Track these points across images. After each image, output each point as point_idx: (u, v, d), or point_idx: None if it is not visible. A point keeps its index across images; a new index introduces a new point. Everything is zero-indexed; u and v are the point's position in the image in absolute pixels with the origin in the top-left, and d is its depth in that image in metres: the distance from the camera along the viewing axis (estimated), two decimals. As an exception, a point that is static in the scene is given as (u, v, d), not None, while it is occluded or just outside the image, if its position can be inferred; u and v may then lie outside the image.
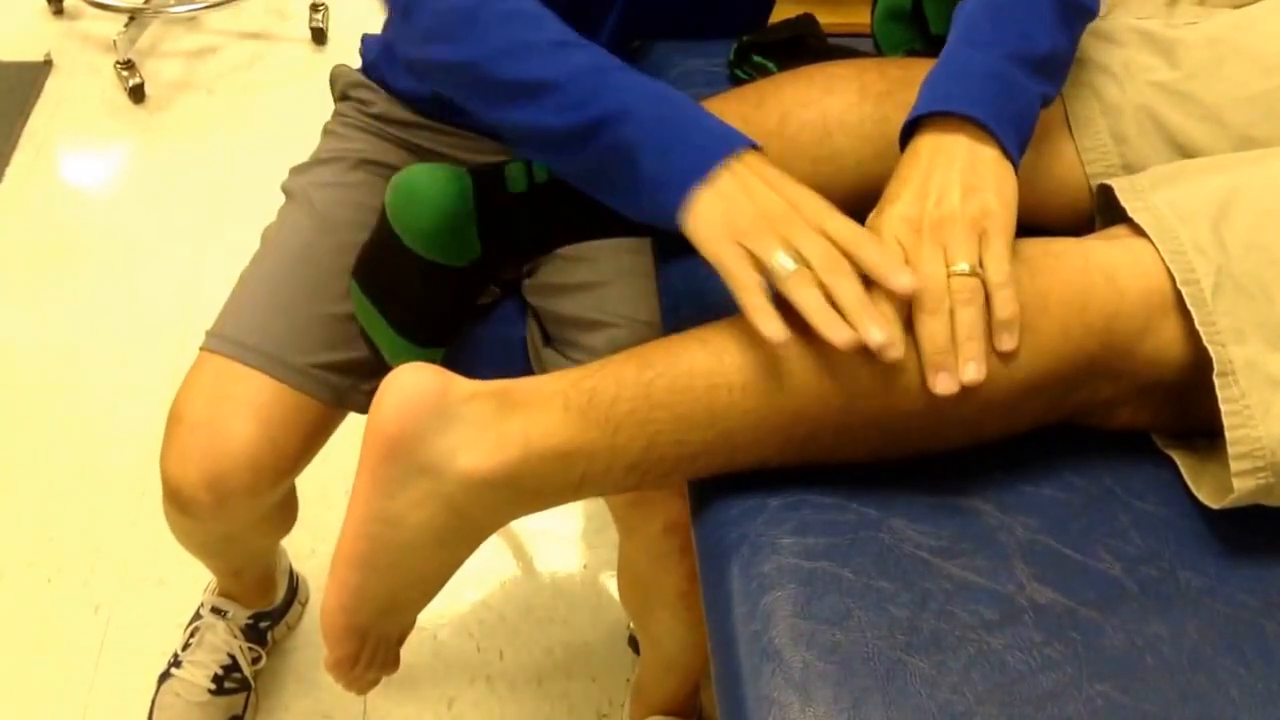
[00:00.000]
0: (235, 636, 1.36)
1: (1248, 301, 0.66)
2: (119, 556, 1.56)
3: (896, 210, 0.69)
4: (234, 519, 1.02)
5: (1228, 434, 0.64)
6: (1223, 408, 0.64)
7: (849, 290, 0.64)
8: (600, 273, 1.04)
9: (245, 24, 2.61)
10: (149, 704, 1.34)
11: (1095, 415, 0.72)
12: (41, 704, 1.40)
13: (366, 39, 1.15)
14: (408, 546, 0.67)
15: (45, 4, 2.59)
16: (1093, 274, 0.68)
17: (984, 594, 0.65)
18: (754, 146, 0.71)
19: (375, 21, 1.17)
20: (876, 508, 0.69)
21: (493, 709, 1.44)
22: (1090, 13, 0.79)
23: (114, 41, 2.33)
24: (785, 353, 0.66)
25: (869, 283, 0.66)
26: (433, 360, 0.72)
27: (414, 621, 0.82)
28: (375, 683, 0.80)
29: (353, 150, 1.10)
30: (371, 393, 0.66)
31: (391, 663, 0.81)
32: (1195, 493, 0.70)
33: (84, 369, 1.81)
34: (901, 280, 0.64)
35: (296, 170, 1.12)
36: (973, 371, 0.64)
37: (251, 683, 1.38)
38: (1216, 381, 0.65)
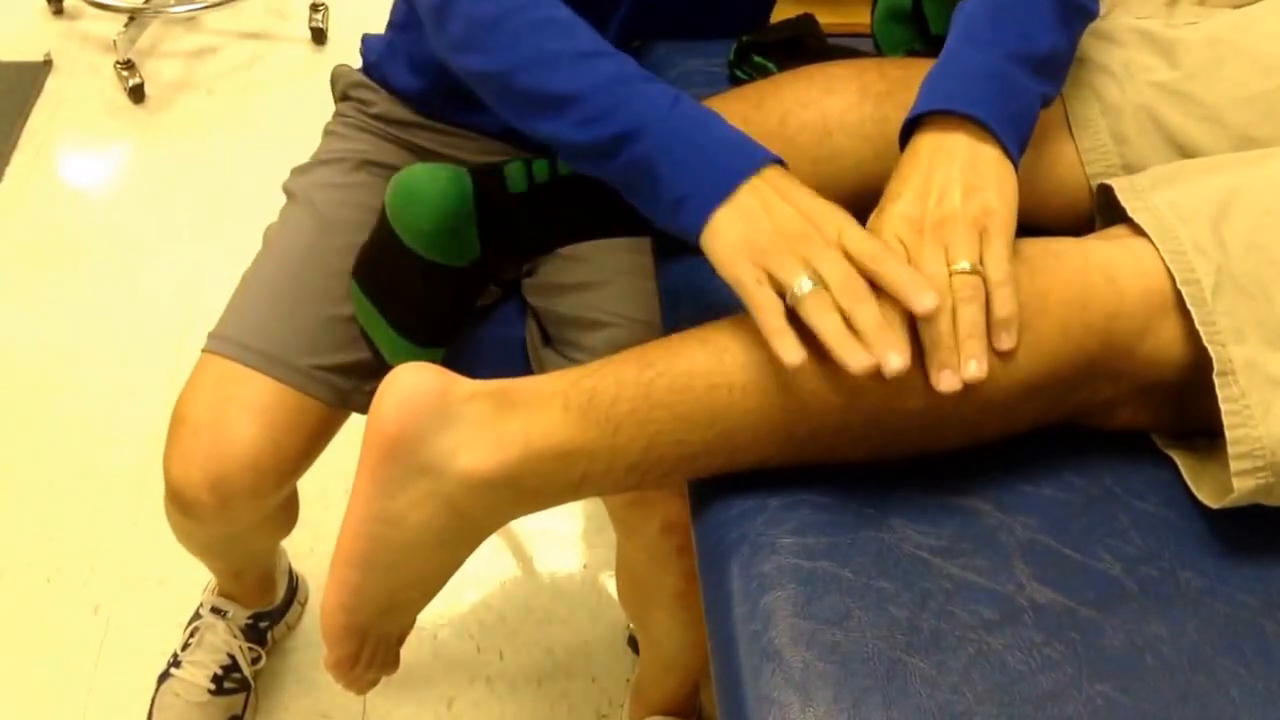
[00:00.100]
0: (235, 636, 1.36)
1: (1247, 301, 0.66)
2: (119, 556, 1.56)
3: (898, 209, 0.69)
4: (236, 520, 1.02)
5: (1228, 434, 0.64)
6: (1223, 407, 0.64)
7: (867, 315, 0.64)
8: (599, 272, 1.04)
9: (245, 24, 2.61)
10: (149, 704, 1.34)
11: (1095, 415, 0.72)
12: (41, 704, 1.40)
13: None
14: (408, 546, 0.67)
15: (45, 4, 2.59)
16: (1093, 274, 0.68)
17: (984, 594, 0.65)
18: (774, 160, 0.70)
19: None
20: (876, 508, 0.69)
21: (493, 709, 1.44)
22: (1090, 13, 0.79)
23: (114, 41, 2.33)
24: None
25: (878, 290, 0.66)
26: (433, 360, 0.72)
27: (414, 621, 0.82)
28: (375, 683, 0.80)
29: (354, 151, 1.10)
30: (374, 393, 0.66)
31: (391, 662, 0.81)
32: (1195, 493, 0.70)
33: (84, 369, 1.81)
34: (925, 300, 0.63)
35: (298, 171, 1.12)
36: (974, 369, 0.64)
37: (251, 683, 1.38)
38: (1216, 381, 0.65)
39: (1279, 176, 0.71)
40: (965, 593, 0.65)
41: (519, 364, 1.08)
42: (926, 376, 0.65)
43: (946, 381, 0.64)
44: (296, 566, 1.49)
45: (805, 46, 1.02)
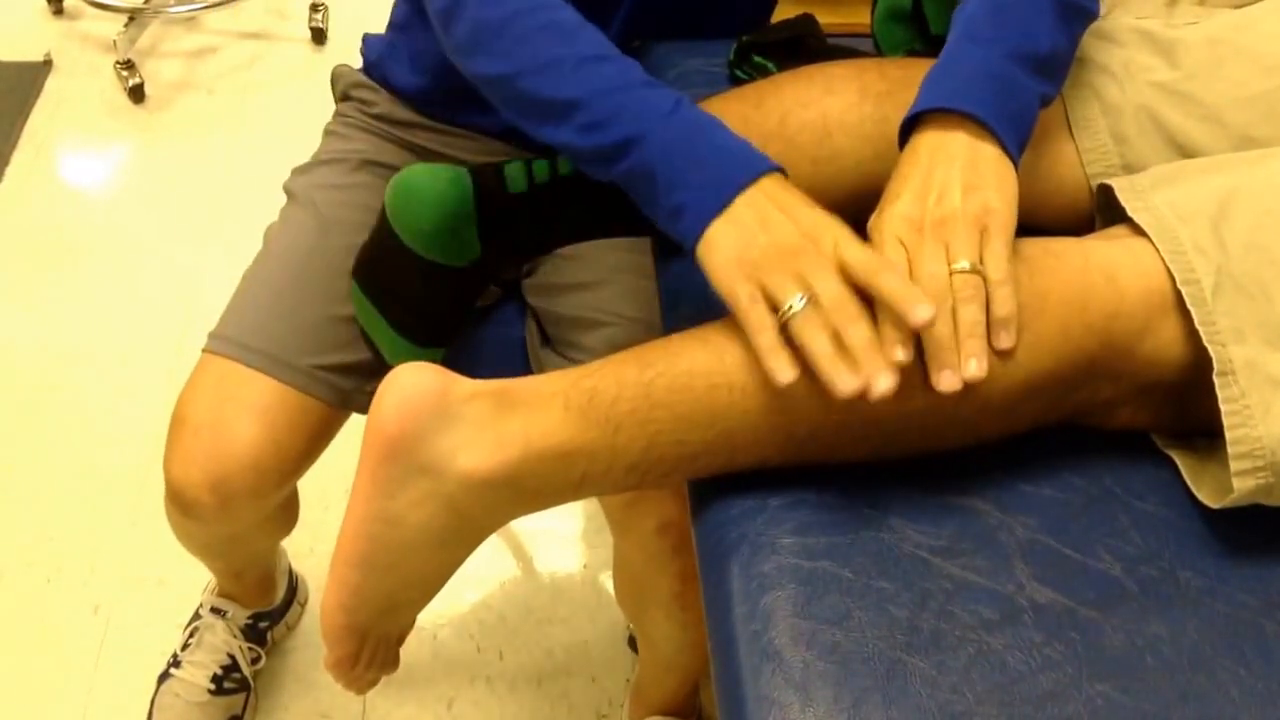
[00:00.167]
0: (235, 637, 1.36)
1: (1247, 301, 0.66)
2: (119, 556, 1.56)
3: (898, 209, 0.69)
4: (237, 520, 1.02)
5: (1228, 434, 0.64)
6: (1223, 407, 0.64)
7: (857, 335, 0.64)
8: (599, 272, 1.04)
9: (245, 24, 2.61)
10: (148, 704, 1.34)
11: (1095, 415, 0.72)
12: (41, 704, 1.40)
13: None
14: (408, 546, 0.67)
15: (45, 4, 2.59)
16: (1092, 273, 0.68)
17: (984, 594, 0.65)
18: (773, 169, 0.70)
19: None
20: (876, 508, 0.69)
21: (493, 709, 1.44)
22: (1091, 14, 0.79)
23: (114, 41, 2.33)
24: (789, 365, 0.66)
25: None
26: (433, 360, 0.72)
27: (414, 621, 0.82)
28: (375, 683, 0.80)
29: (354, 151, 1.10)
30: (374, 393, 0.66)
31: (391, 662, 0.81)
32: (1195, 493, 0.70)
33: (84, 369, 1.81)
34: (920, 312, 0.63)
35: (299, 171, 1.12)
36: (974, 368, 0.64)
37: (251, 683, 1.38)
38: (1216, 381, 0.65)
39: (1279, 176, 0.71)
40: (965, 593, 0.65)
41: (519, 364, 1.08)
42: (927, 376, 0.65)
43: (947, 381, 0.64)
44: (296, 566, 1.49)
45: (805, 46, 1.02)
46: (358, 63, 1.17)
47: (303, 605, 1.49)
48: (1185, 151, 0.78)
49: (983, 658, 0.62)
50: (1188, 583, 0.66)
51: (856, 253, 0.66)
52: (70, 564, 1.55)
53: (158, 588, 1.52)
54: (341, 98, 1.16)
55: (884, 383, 0.63)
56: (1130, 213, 0.71)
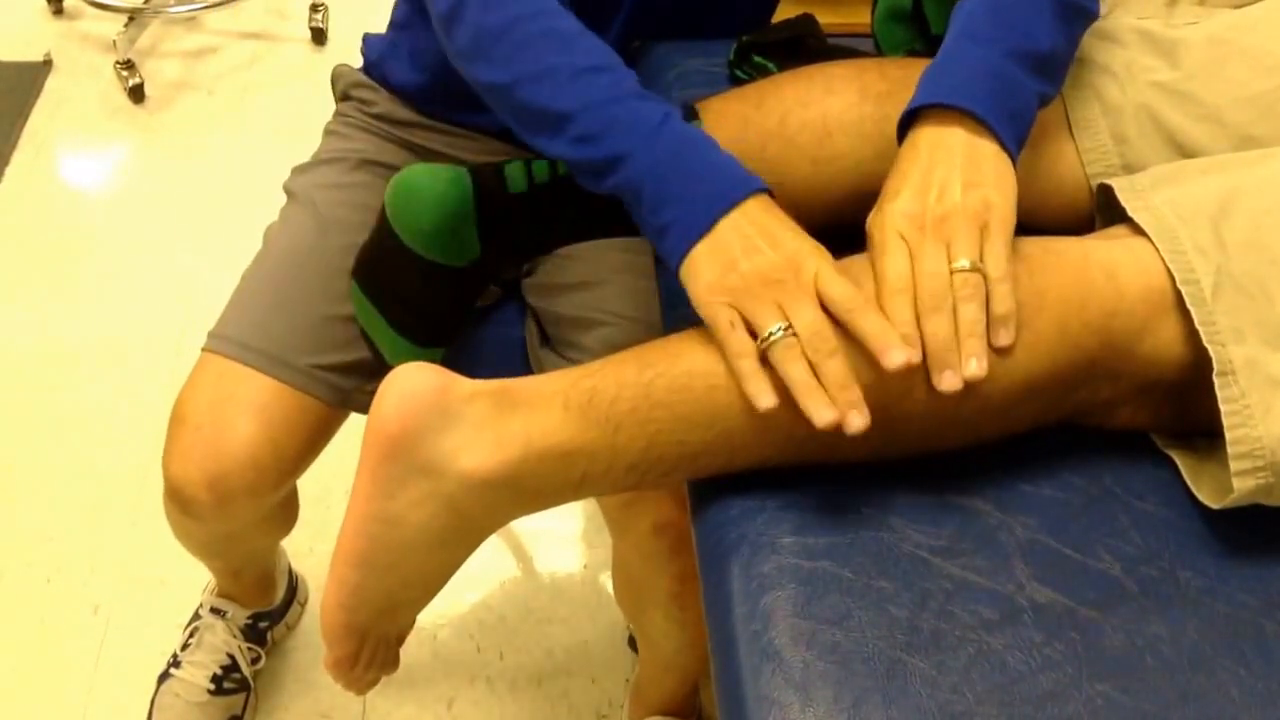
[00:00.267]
0: (234, 637, 1.36)
1: (1247, 301, 0.66)
2: (119, 556, 1.56)
3: (899, 205, 0.69)
4: (235, 519, 1.02)
5: (1227, 434, 0.64)
6: (1222, 407, 0.64)
7: (832, 370, 0.64)
8: (598, 272, 1.04)
9: (245, 24, 2.61)
10: (148, 704, 1.34)
11: (1095, 415, 0.72)
12: (41, 704, 1.40)
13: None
14: (408, 546, 0.67)
15: (45, 4, 2.59)
16: (1092, 273, 0.68)
17: (984, 594, 0.65)
18: (759, 190, 0.70)
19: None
20: (876, 508, 0.69)
21: (493, 709, 1.44)
22: (1091, 15, 0.79)
23: (114, 41, 2.33)
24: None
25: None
26: (433, 360, 0.72)
27: (414, 621, 0.82)
28: (375, 683, 0.80)
29: (354, 150, 1.10)
30: (374, 393, 0.66)
31: (391, 662, 0.81)
32: (1195, 493, 0.70)
33: (84, 369, 1.81)
34: (895, 358, 0.63)
35: (299, 170, 1.12)
36: (975, 367, 0.64)
37: (251, 683, 1.38)
38: (1216, 381, 0.65)
39: (1279, 176, 0.70)
40: (965, 593, 0.65)
41: (518, 364, 1.08)
42: (927, 376, 0.65)
43: (948, 381, 0.64)
44: (296, 566, 1.49)
45: (805, 46, 1.02)
46: (358, 62, 1.17)
47: (303, 605, 1.49)
48: (1185, 151, 0.78)
49: (983, 658, 0.62)
50: (1188, 583, 0.66)
51: (838, 289, 0.66)
52: (70, 564, 1.55)
53: (158, 588, 1.52)
54: (341, 97, 1.16)
55: (856, 421, 0.63)
56: (1130, 212, 0.71)
